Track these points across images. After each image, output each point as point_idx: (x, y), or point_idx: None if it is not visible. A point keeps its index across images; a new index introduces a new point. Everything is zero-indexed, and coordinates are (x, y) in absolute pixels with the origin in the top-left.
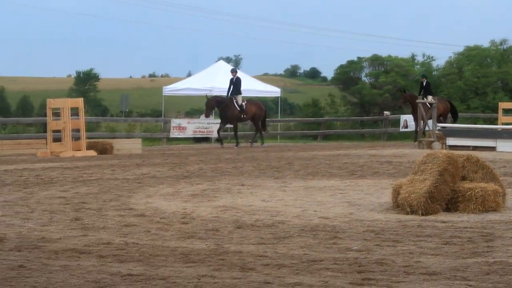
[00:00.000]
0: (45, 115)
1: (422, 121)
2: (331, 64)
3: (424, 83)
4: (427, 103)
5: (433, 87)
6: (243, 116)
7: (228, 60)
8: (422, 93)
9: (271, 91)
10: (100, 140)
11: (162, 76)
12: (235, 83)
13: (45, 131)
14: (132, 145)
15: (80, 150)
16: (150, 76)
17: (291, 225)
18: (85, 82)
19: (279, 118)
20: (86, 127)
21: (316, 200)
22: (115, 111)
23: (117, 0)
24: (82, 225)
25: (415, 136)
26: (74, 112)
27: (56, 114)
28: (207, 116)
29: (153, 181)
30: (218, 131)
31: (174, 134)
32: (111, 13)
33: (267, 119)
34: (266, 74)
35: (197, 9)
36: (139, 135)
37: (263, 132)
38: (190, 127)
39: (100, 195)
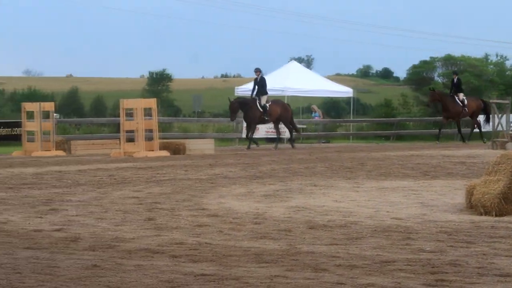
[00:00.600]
0: (119, 116)
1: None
2: (404, 64)
3: (455, 80)
4: (458, 101)
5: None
6: (266, 118)
7: (300, 60)
8: (452, 90)
9: (343, 91)
10: (173, 140)
11: (234, 76)
12: (259, 83)
13: (118, 131)
14: (204, 146)
15: (153, 150)
16: (223, 76)
17: (363, 225)
18: (158, 83)
19: (351, 119)
20: (159, 127)
21: (388, 201)
22: (187, 111)
23: (190, 1)
24: (155, 225)
25: (462, 137)
26: (147, 112)
27: (129, 114)
28: (232, 119)
29: (226, 182)
30: (247, 135)
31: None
32: (184, 14)
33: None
34: (338, 74)
35: (269, 9)
36: (212, 136)
37: (294, 133)
38: (262, 127)
39: (173, 195)
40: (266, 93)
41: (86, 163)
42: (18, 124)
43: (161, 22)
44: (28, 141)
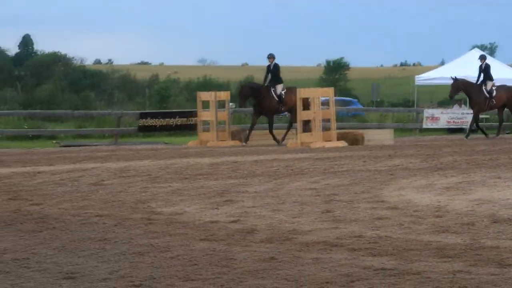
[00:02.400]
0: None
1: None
2: None
3: (483, 66)
4: (485, 91)
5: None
6: (281, 108)
7: (482, 48)
8: (481, 78)
9: None
10: (351, 130)
11: (413, 64)
12: (272, 71)
13: (295, 122)
14: (383, 136)
15: (330, 140)
16: (402, 65)
17: None
18: (335, 72)
19: None
20: (336, 117)
21: None
22: (365, 100)
23: None
24: (333, 217)
25: (481, 132)
26: (325, 102)
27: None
28: (241, 106)
29: (406, 173)
30: (252, 128)
31: (427, 124)
32: (366, 1)
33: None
34: None
35: None
36: (391, 126)
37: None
38: (443, 117)
39: (351, 186)
40: (281, 81)
41: (262, 154)
42: (193, 114)
43: (338, 9)
44: (203, 131)
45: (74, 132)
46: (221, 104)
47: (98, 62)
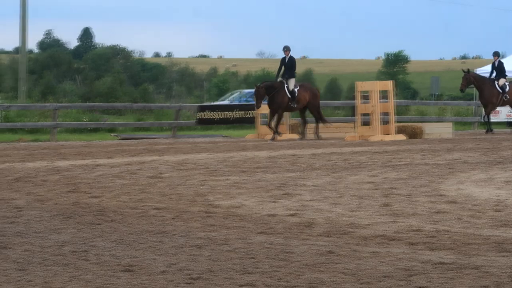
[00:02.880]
0: (354, 98)
1: None
2: None
3: (496, 63)
4: (497, 86)
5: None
6: (294, 105)
7: None
8: (494, 75)
9: None
10: (410, 124)
11: (473, 58)
12: (288, 64)
13: (353, 115)
14: (442, 129)
15: (389, 134)
16: (462, 57)
17: None
18: (394, 65)
19: None
20: (395, 110)
21: None
22: (425, 94)
23: None
24: (391, 211)
25: (487, 127)
26: (383, 95)
27: (365, 97)
28: (257, 107)
29: (465, 167)
30: (270, 124)
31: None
32: None
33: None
34: None
35: None
36: (450, 119)
37: (321, 123)
38: (503, 110)
39: (410, 180)
40: (294, 75)
41: (320, 147)
42: (252, 107)
43: (397, 2)
44: (261, 124)
45: (132, 125)
46: None
47: (157, 55)
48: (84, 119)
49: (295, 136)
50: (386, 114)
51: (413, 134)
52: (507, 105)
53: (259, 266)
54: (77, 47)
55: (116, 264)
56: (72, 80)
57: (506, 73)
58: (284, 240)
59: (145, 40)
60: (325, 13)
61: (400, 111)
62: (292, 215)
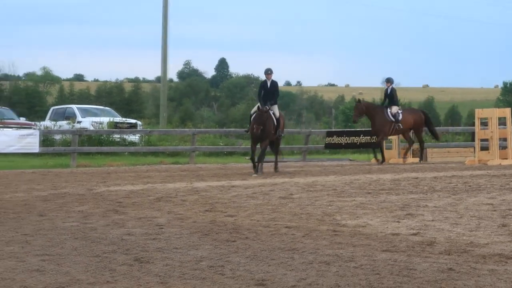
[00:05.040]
0: (473, 125)
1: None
2: None
3: (389, 90)
4: (389, 115)
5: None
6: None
7: None
8: (386, 102)
9: None
10: None
11: None
12: (271, 88)
13: (473, 140)
14: None
15: (507, 158)
16: None
17: None
18: None
19: None
20: None
21: None
22: None
23: None
24: (509, 231)
25: (376, 155)
26: (501, 121)
27: (484, 123)
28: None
29: None
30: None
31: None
32: None
33: None
34: None
35: None
36: None
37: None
38: None
39: None
40: (275, 102)
41: (441, 170)
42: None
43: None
44: (386, 149)
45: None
46: None
47: (288, 83)
48: (220, 143)
49: (417, 159)
50: (504, 139)
51: None
52: (400, 135)
53: (384, 281)
54: (214, 76)
55: (250, 279)
56: (209, 107)
57: None
58: (407, 258)
59: (277, 69)
60: (445, 43)
61: None
62: (414, 234)
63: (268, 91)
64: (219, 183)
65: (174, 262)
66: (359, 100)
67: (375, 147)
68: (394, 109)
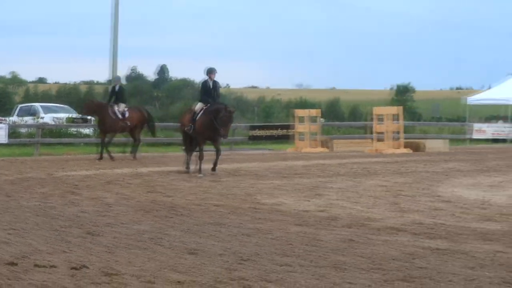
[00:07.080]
0: (372, 120)
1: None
2: None
3: (117, 88)
4: (117, 113)
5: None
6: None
7: None
8: (113, 100)
9: None
10: (415, 140)
11: (466, 88)
12: (218, 89)
13: (371, 133)
14: (441, 145)
15: (398, 148)
16: (457, 88)
17: None
18: (403, 94)
19: None
20: (404, 130)
21: None
22: (427, 117)
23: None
24: (399, 208)
25: (101, 151)
26: (395, 117)
27: (380, 119)
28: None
29: (458, 174)
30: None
31: (476, 136)
32: (429, 32)
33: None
34: None
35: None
36: (447, 137)
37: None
38: (489, 130)
39: (414, 184)
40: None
41: (345, 158)
42: (291, 127)
43: (403, 38)
44: (299, 140)
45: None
46: (313, 119)
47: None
48: (161, 136)
49: (325, 149)
50: (397, 132)
51: (418, 148)
52: (128, 132)
53: (295, 250)
54: (156, 80)
55: (184, 248)
56: (152, 105)
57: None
58: (315, 230)
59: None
60: (348, 48)
61: (408, 130)
62: (321, 211)
63: (211, 90)
64: (159, 169)
65: (121, 235)
66: (91, 100)
67: (105, 145)
68: (122, 106)
